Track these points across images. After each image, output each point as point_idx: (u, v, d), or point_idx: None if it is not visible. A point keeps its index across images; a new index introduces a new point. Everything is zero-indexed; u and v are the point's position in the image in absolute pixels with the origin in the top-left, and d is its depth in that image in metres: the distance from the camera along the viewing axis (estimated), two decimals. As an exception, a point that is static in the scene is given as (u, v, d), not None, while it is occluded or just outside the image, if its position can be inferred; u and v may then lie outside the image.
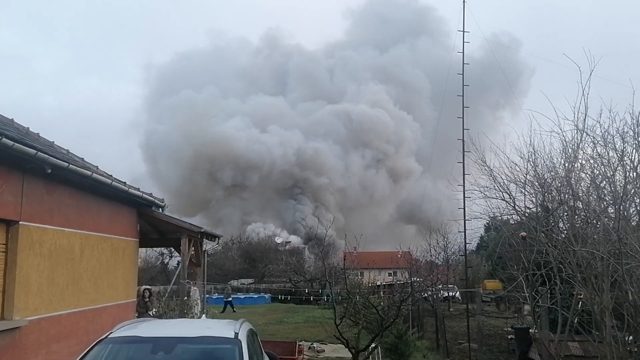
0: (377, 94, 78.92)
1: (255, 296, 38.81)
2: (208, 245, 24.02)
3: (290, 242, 53.56)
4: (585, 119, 9.75)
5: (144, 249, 39.29)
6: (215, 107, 72.58)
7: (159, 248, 38.51)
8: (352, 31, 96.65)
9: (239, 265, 42.64)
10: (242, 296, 38.84)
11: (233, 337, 5.91)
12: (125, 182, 13.07)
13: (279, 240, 51.23)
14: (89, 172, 10.44)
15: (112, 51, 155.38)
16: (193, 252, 17.82)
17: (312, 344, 20.71)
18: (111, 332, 6.10)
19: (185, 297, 16.69)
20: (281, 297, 33.93)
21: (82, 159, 13.13)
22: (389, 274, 38.86)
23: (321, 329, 18.80)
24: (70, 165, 9.59)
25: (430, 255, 30.56)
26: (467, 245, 25.97)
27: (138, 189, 13.83)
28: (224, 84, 78.28)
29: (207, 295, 30.36)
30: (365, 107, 76.24)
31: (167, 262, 41.98)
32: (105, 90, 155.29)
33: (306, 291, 29.14)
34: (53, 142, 12.41)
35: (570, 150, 10.41)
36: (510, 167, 12.35)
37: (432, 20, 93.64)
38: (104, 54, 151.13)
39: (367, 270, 27.99)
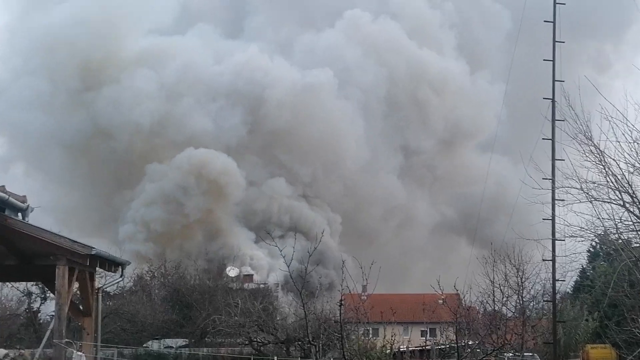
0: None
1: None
2: (107, 280, 19.23)
3: (252, 274, 39.04)
4: None
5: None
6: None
7: (21, 284, 27.17)
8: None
9: (163, 315, 30.71)
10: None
11: None
12: None
13: (232, 272, 36.52)
14: None
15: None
16: (78, 292, 15.79)
17: None
18: None
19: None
20: None
21: None
22: (423, 332, 31.49)
23: None
24: None
25: (494, 301, 23.36)
26: (558, 283, 22.26)
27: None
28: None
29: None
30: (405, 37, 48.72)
31: (39, 309, 30.04)
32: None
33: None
34: None
35: None
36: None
37: None
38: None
39: (384, 325, 20.89)
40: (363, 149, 46.28)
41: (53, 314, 17.18)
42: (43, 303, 29.93)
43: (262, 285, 35.79)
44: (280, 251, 17.62)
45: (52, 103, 43.58)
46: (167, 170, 42.64)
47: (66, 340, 13.67)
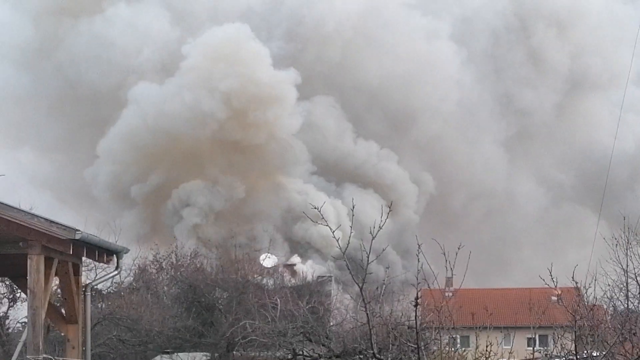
0: None
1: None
2: (98, 274, 17.31)
3: (294, 264, 31.88)
4: None
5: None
6: None
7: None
8: None
9: (175, 321, 24.25)
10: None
11: None
12: None
13: (267, 261, 28.92)
14: None
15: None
16: (58, 289, 15.03)
17: None
18: None
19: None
20: None
21: None
22: (529, 340, 24.10)
23: None
24: None
25: (627, 297, 18.96)
26: None
27: None
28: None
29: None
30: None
31: (6, 314, 24.16)
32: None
33: (328, 381, 17.43)
34: None
35: None
36: None
37: None
38: None
39: (477, 331, 16.09)
40: (452, 103, 34.82)
41: (25, 320, 15.28)
42: (12, 307, 24.57)
43: (316, 278, 28.68)
44: (332, 232, 13.71)
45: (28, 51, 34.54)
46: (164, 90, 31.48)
47: (44, 356, 12.20)
